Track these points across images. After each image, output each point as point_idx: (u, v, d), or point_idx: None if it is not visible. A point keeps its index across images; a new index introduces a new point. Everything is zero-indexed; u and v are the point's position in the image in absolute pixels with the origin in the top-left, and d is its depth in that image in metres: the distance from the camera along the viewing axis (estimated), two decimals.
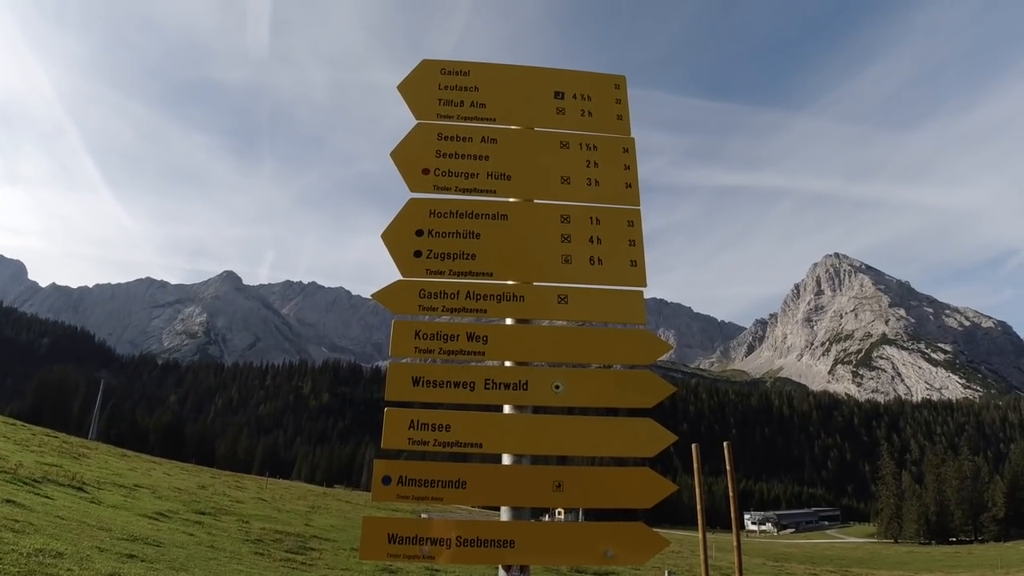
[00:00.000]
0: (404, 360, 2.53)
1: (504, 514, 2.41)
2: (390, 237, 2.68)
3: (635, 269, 2.74)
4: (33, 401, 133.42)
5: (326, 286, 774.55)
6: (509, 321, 2.62)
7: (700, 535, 9.61)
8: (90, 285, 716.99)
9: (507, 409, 2.52)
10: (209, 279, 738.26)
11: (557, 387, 2.49)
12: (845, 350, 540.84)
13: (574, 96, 3.05)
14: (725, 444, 9.81)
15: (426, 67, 3.02)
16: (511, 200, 2.79)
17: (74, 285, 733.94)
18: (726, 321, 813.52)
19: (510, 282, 2.65)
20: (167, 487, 31.92)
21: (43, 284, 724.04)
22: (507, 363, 2.55)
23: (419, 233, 2.70)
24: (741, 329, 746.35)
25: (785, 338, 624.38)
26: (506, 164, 2.84)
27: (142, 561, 11.52)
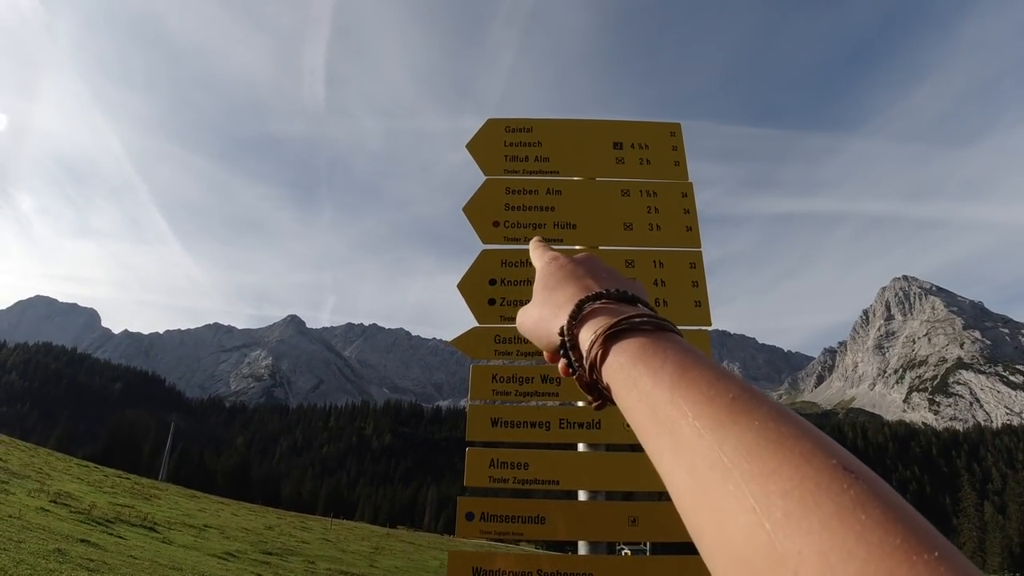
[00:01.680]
0: (483, 402, 2.69)
1: (582, 548, 2.51)
2: (466, 287, 2.86)
3: (699, 309, 2.85)
4: (106, 444, 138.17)
5: (386, 327, 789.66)
6: None
7: None
8: (161, 331, 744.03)
9: (581, 447, 2.64)
10: (274, 323, 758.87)
11: (628, 425, 2.61)
12: (920, 376, 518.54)
13: (632, 146, 3.20)
14: None
15: (491, 126, 3.23)
16: (577, 248, 2.93)
17: (145, 332, 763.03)
18: (793, 351, 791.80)
19: None
20: (235, 527, 32.65)
21: (116, 331, 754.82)
22: (580, 403, 2.69)
23: (492, 282, 2.87)
24: (809, 359, 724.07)
25: (856, 367, 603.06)
26: (571, 214, 3.00)
27: None
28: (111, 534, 18.62)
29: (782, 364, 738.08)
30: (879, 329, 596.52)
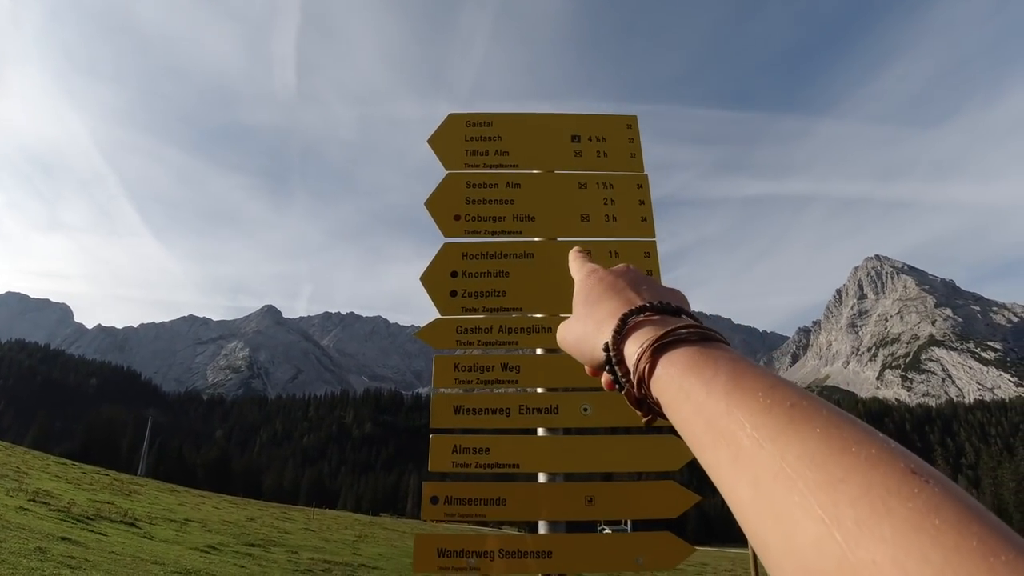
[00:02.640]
0: (446, 391, 2.79)
1: (542, 527, 2.63)
2: (428, 280, 2.95)
3: None
4: (83, 440, 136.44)
5: (364, 316, 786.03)
6: (539, 351, 2.86)
7: (750, 551, 9.62)
8: (135, 325, 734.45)
9: (540, 431, 2.75)
10: (250, 314, 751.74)
11: (585, 409, 2.72)
12: (892, 354, 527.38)
13: (590, 138, 3.29)
14: None
15: (452, 120, 3.30)
16: (536, 240, 3.03)
17: (119, 326, 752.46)
18: (768, 331, 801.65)
19: (538, 315, 2.90)
20: (217, 520, 32.51)
21: (89, 326, 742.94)
22: (539, 389, 2.79)
23: (454, 274, 2.96)
24: (784, 339, 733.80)
25: (830, 345, 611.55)
26: (530, 206, 3.09)
27: None
28: (92, 531, 18.50)
29: (757, 344, 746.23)
30: (852, 308, 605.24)
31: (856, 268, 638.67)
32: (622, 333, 0.61)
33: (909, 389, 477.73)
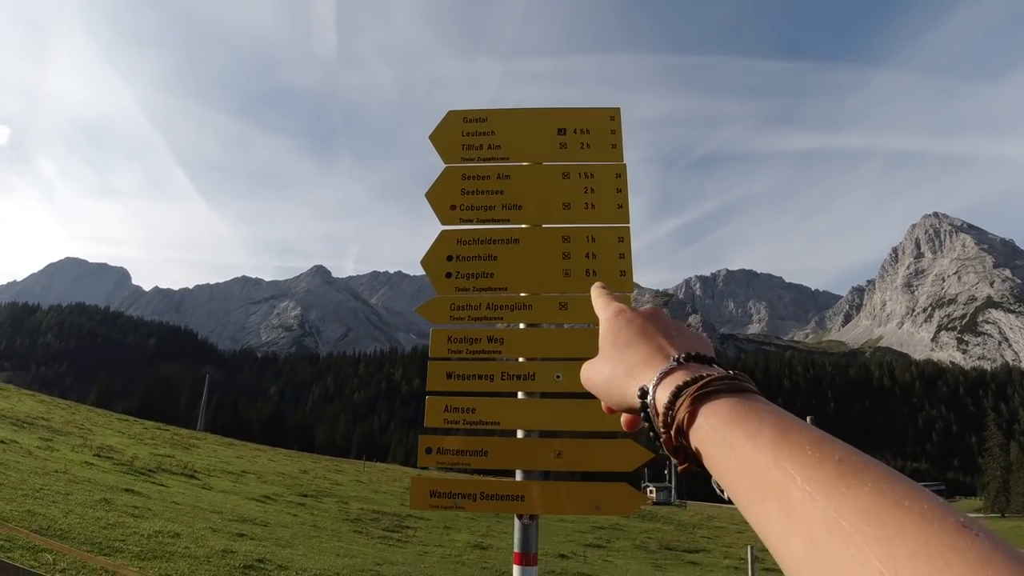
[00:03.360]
0: (440, 359, 3.27)
1: (518, 475, 3.11)
2: (427, 263, 3.40)
3: (624, 278, 3.34)
4: (143, 398, 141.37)
5: (411, 275, 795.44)
6: (521, 325, 3.29)
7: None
8: (190, 287, 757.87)
9: (520, 395, 3.20)
10: (300, 274, 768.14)
11: (558, 376, 3.16)
12: (948, 315, 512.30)
13: (575, 131, 3.65)
14: (808, 419, 10.02)
15: (451, 117, 3.71)
16: (522, 226, 3.43)
17: (175, 288, 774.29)
18: (820, 290, 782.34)
19: (522, 294, 3.32)
20: (272, 472, 34.17)
21: (146, 288, 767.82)
22: (519, 359, 3.23)
23: (449, 258, 3.40)
24: (837, 298, 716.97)
25: (884, 305, 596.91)
26: (517, 196, 3.49)
27: (251, 539, 12.78)
28: (154, 483, 19.80)
29: (809, 303, 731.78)
30: (908, 267, 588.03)
31: (914, 226, 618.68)
32: (659, 381, 0.62)
33: (964, 352, 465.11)
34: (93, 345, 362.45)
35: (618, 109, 3.74)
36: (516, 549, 3.03)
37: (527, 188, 3.51)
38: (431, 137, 3.67)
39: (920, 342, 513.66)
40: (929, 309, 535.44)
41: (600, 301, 0.82)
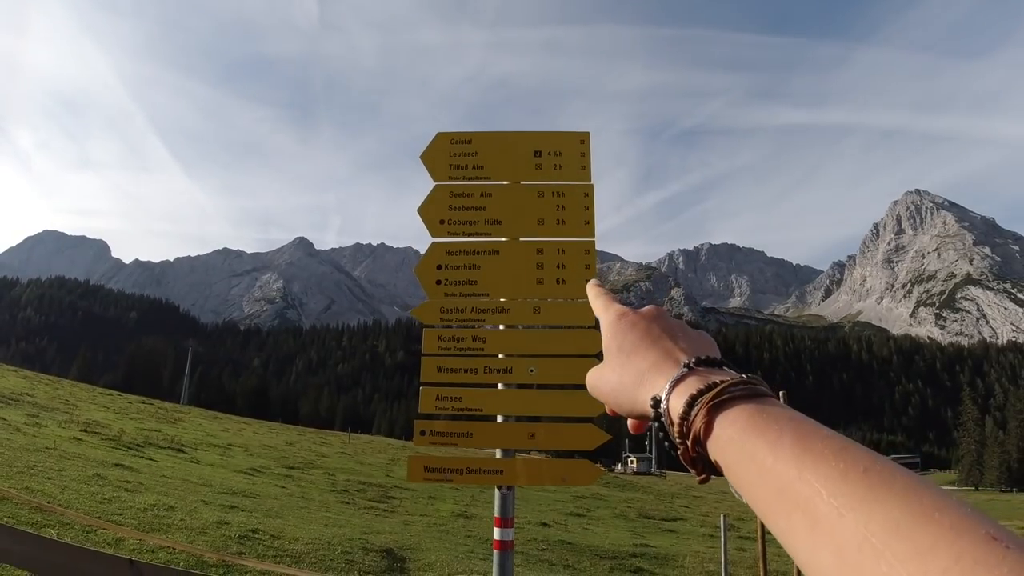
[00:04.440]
0: (431, 355, 3.83)
1: (497, 453, 3.71)
2: (420, 271, 3.94)
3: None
4: (126, 372, 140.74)
5: (394, 247, 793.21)
6: (501, 327, 3.85)
7: (759, 548, 10.34)
8: (171, 259, 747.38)
9: (500, 386, 3.78)
10: (282, 246, 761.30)
11: (532, 370, 3.73)
12: (927, 292, 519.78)
13: (548, 153, 4.17)
14: (781, 394, 10.45)
15: (440, 139, 4.22)
16: (502, 239, 3.97)
17: (156, 260, 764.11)
18: (801, 265, 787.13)
19: (501, 299, 3.87)
20: (258, 445, 34.61)
21: (126, 261, 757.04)
22: (499, 355, 3.80)
23: (439, 267, 3.94)
24: (817, 273, 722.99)
25: (864, 281, 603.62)
26: (498, 212, 4.03)
27: (242, 511, 13.21)
28: (143, 457, 20.14)
29: (790, 278, 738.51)
30: (889, 243, 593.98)
31: (895, 202, 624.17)
32: (672, 389, 0.61)
33: (943, 327, 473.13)
34: (74, 319, 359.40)
35: (587, 133, 4.26)
36: (496, 515, 3.63)
37: (507, 205, 4.04)
38: (422, 157, 4.17)
39: (899, 317, 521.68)
40: (908, 285, 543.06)
41: (600, 302, 0.79)
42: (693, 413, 0.57)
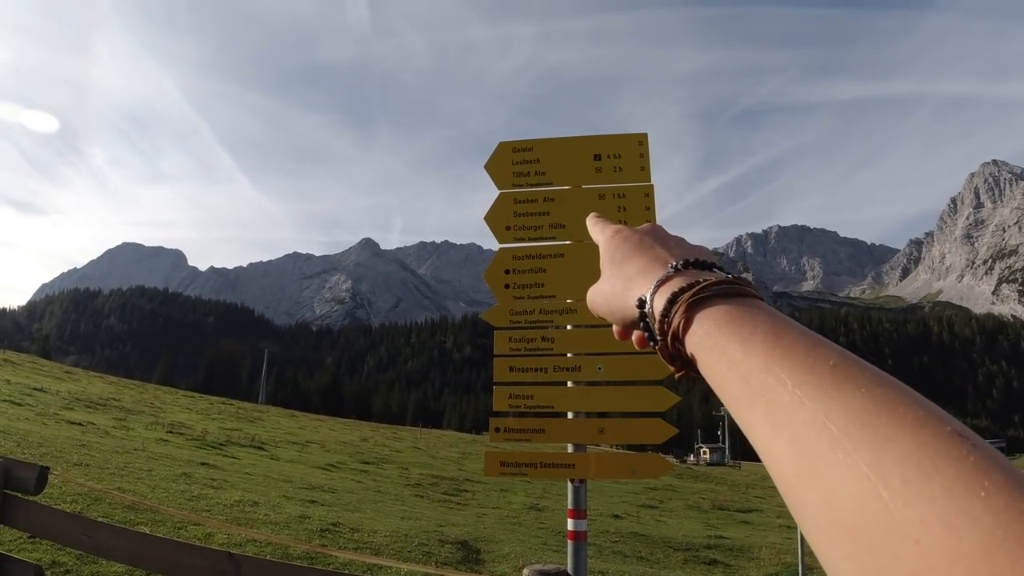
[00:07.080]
0: (503, 356, 4.03)
1: (569, 448, 3.87)
2: (489, 277, 4.14)
3: None
4: (206, 374, 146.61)
5: (457, 243, 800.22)
6: (568, 326, 4.02)
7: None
8: (244, 265, 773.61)
9: (569, 384, 3.94)
10: (349, 248, 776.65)
11: (599, 368, 3.88)
12: (1010, 267, 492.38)
13: (608, 156, 4.29)
14: None
15: (501, 148, 4.38)
16: (566, 243, 4.12)
17: (230, 266, 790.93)
18: (876, 244, 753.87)
19: (568, 300, 4.03)
20: (333, 441, 35.70)
21: (202, 268, 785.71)
22: (567, 354, 3.97)
23: (507, 272, 4.12)
24: (894, 251, 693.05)
25: (943, 258, 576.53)
26: (561, 217, 4.18)
27: (322, 506, 13.74)
28: (226, 455, 21.11)
29: (865, 258, 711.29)
30: (968, 218, 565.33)
31: (972, 174, 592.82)
32: (656, 289, 0.60)
33: None
34: (155, 325, 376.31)
35: (646, 135, 4.36)
36: (570, 506, 3.79)
37: (569, 209, 4.19)
38: (486, 166, 4.36)
39: (980, 295, 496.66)
40: (989, 261, 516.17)
41: (597, 227, 0.79)
42: (673, 310, 0.56)
